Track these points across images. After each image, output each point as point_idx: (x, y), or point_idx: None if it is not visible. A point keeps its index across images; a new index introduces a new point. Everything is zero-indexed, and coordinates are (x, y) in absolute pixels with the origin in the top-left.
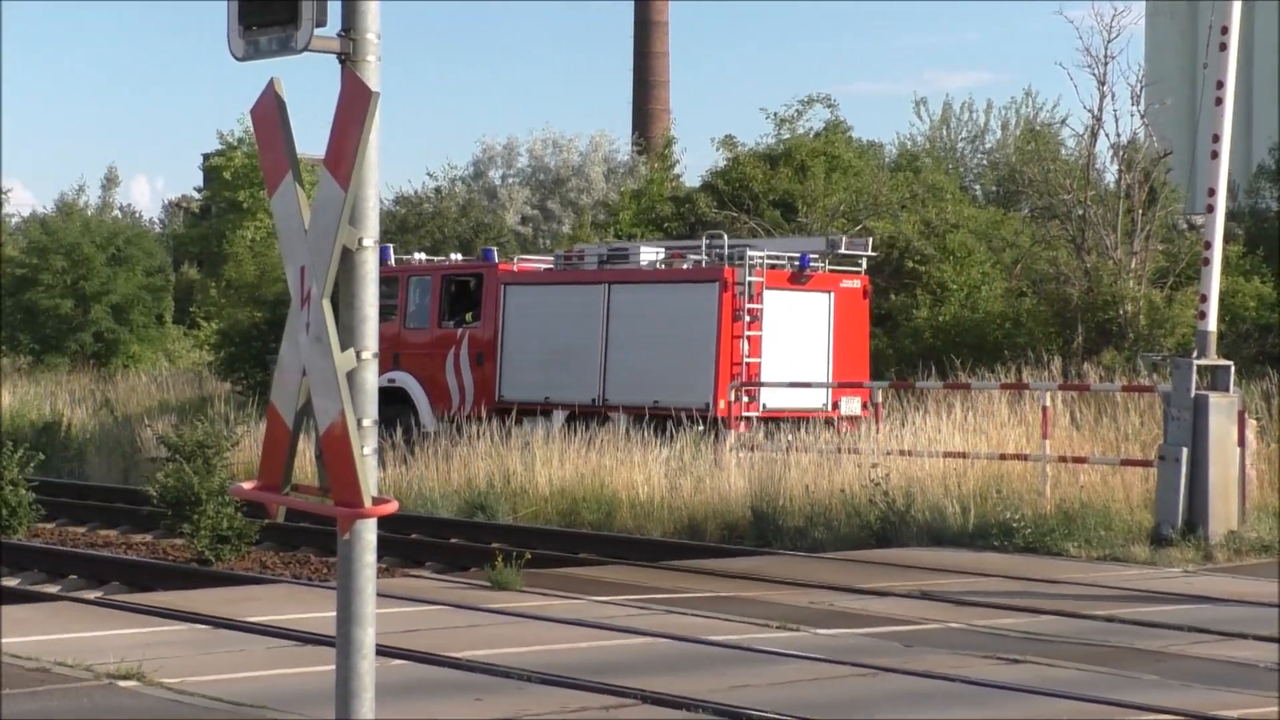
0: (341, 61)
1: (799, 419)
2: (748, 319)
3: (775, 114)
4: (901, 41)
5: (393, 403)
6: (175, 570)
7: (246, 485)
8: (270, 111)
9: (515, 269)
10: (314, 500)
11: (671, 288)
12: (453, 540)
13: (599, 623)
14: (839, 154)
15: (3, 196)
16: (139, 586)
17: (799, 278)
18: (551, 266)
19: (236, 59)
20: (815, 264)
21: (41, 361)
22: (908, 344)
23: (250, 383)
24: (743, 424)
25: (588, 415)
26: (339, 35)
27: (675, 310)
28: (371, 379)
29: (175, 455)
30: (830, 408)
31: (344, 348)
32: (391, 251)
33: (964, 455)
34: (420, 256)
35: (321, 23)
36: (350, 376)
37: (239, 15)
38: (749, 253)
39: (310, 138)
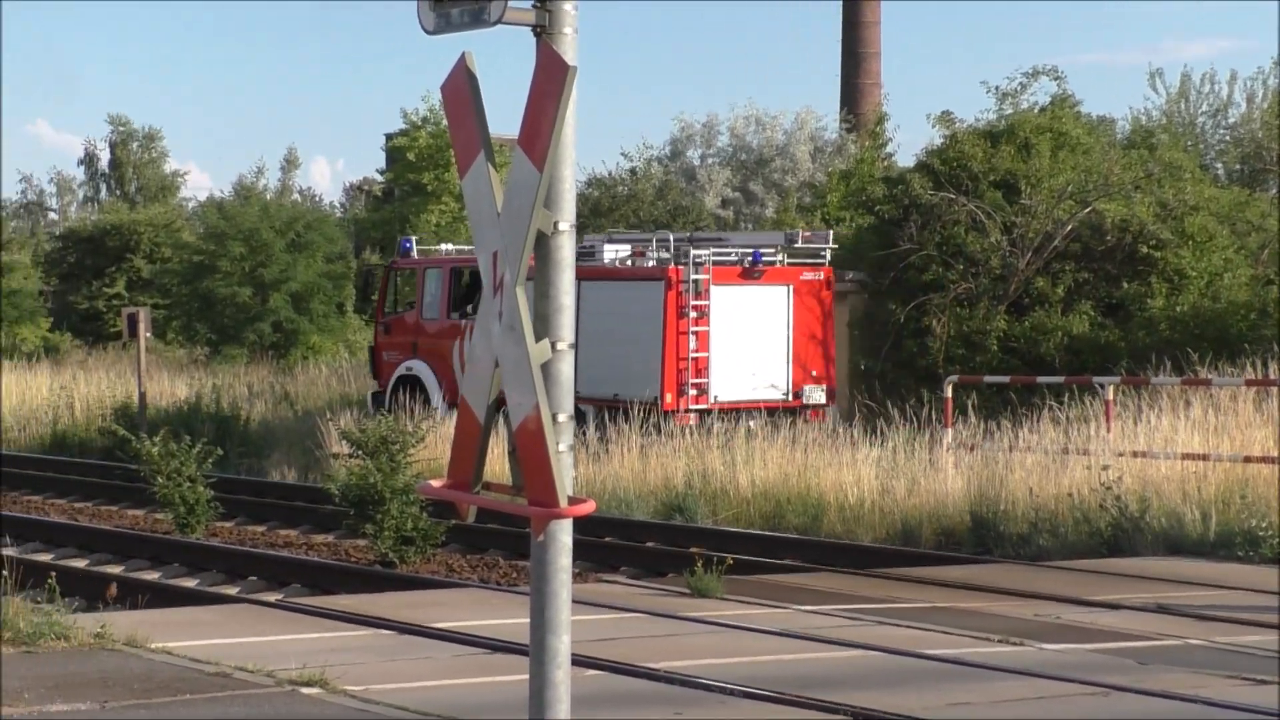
0: (536, 34)
1: (757, 410)
2: (695, 315)
3: (997, 88)
4: (1134, 8)
5: (410, 389)
6: (358, 573)
7: (435, 483)
8: (461, 88)
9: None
10: (506, 500)
11: (627, 285)
12: (649, 544)
13: (805, 634)
14: (1066, 130)
15: (180, 179)
16: (320, 589)
17: (752, 273)
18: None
19: (426, 32)
20: (771, 258)
21: (219, 352)
22: (1141, 336)
23: None
24: (691, 417)
25: None
26: (534, 6)
27: (630, 307)
28: (567, 371)
29: (358, 451)
30: (791, 398)
31: (538, 338)
32: (414, 244)
33: (1204, 457)
34: (447, 248)
35: None
36: (545, 368)
37: None
38: (692, 251)
39: (502, 117)
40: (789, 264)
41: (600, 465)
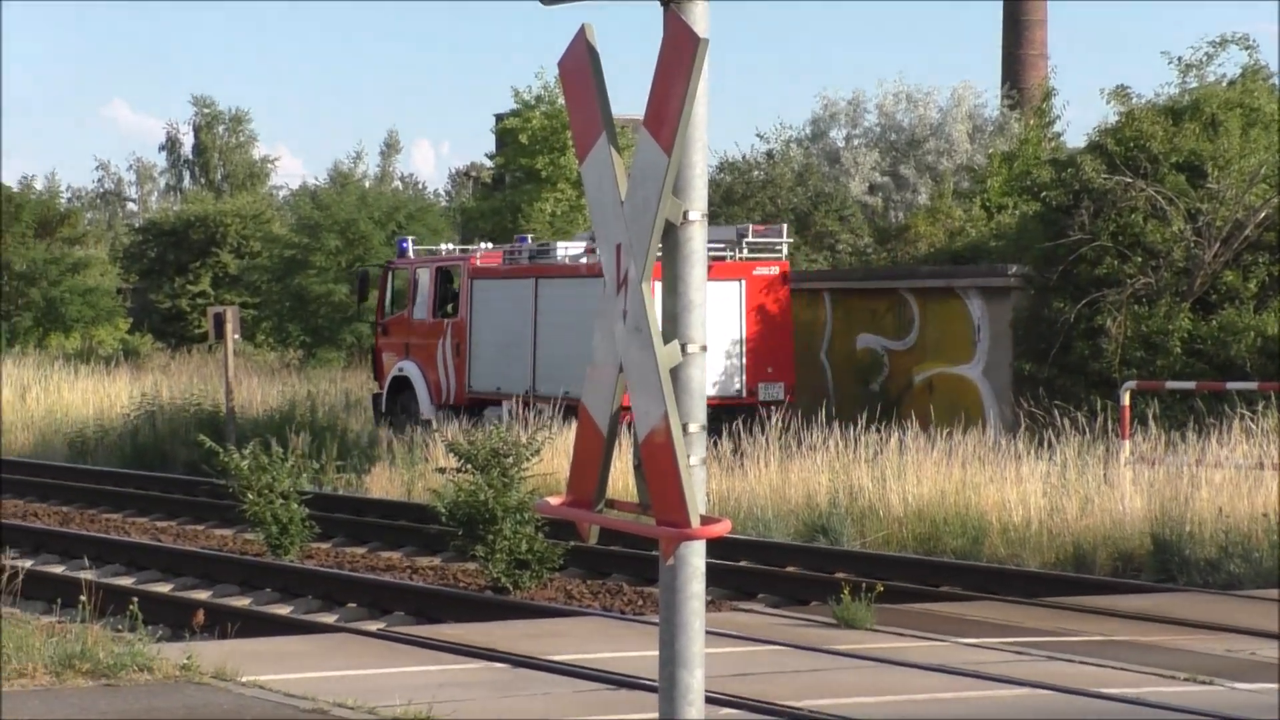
0: (664, 4)
1: (713, 407)
2: None
3: (1179, 58)
4: None
5: (403, 390)
6: (467, 599)
7: (553, 501)
8: (581, 63)
9: (479, 262)
10: (631, 519)
11: (577, 282)
12: (789, 569)
13: (965, 669)
14: (1259, 105)
15: (269, 166)
16: (426, 617)
17: None
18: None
19: (543, 2)
20: (722, 253)
21: (313, 356)
22: None
23: None
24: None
25: (526, 406)
26: None
27: (579, 304)
28: (699, 376)
29: (467, 465)
30: (746, 394)
31: (667, 340)
32: (410, 244)
33: None
34: (447, 247)
35: None
36: (674, 373)
37: None
38: None
39: (626, 95)
40: (744, 259)
41: (735, 480)
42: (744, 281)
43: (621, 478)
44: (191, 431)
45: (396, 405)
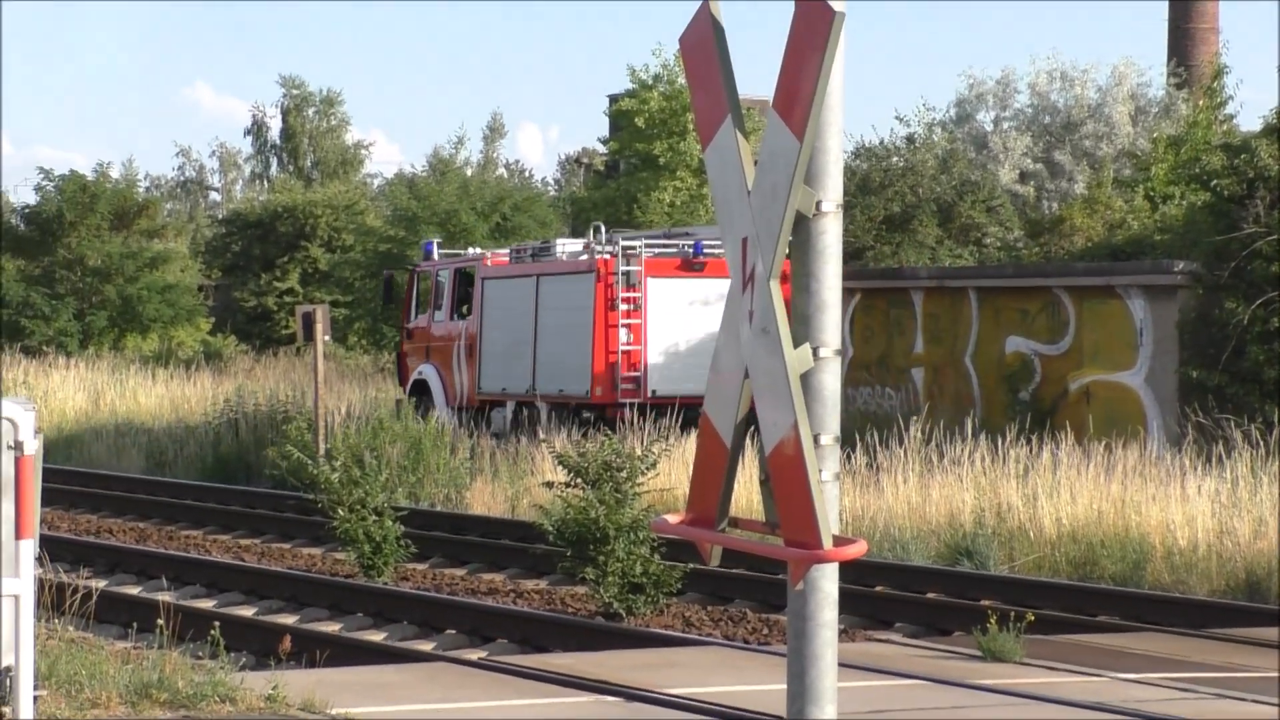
0: None
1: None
2: (627, 308)
3: None
4: None
5: (424, 394)
6: (576, 626)
7: (671, 519)
8: (705, 40)
9: (490, 263)
10: (757, 539)
11: (567, 279)
12: (930, 595)
13: (1124, 708)
14: None
15: (364, 152)
16: (531, 645)
17: (692, 265)
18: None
19: None
20: (717, 251)
21: None
22: None
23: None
24: (624, 410)
25: (527, 406)
26: None
27: (571, 301)
28: (832, 383)
29: (576, 480)
30: None
31: (797, 343)
32: (435, 246)
33: None
34: (475, 251)
35: None
36: (805, 379)
37: None
38: (621, 242)
39: (754, 75)
40: None
41: (870, 497)
42: None
43: (746, 494)
44: (278, 441)
45: (417, 410)
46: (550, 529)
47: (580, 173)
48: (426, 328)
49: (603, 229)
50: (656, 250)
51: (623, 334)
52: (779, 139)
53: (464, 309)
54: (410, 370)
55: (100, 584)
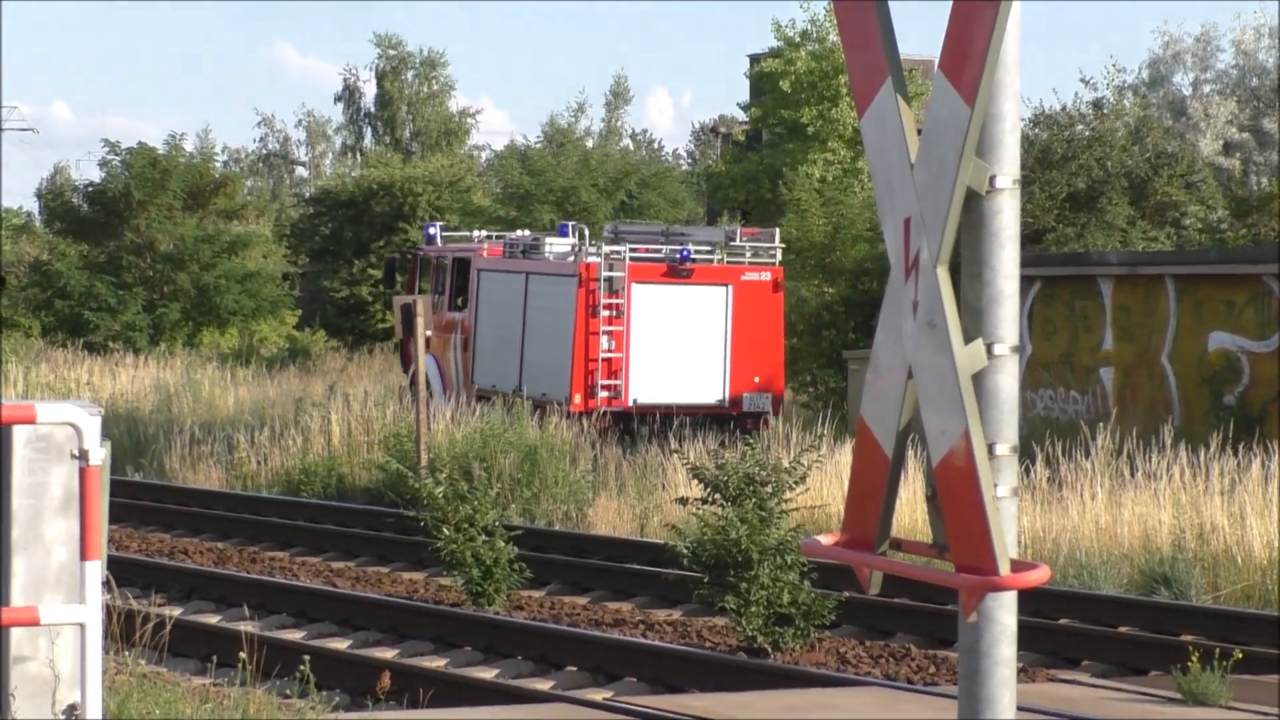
0: None
1: (688, 415)
2: (609, 314)
3: None
4: None
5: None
6: (715, 663)
7: (824, 540)
8: None
9: (486, 253)
10: (923, 563)
11: (552, 280)
12: (1121, 629)
13: None
14: None
15: (469, 121)
16: (664, 685)
17: (679, 271)
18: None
19: None
20: (707, 257)
21: None
22: None
23: (821, 390)
24: (603, 419)
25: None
26: None
27: (555, 304)
28: (1009, 385)
29: (714, 495)
30: (728, 404)
31: (968, 339)
32: (438, 230)
33: None
34: (480, 234)
35: None
36: (978, 381)
37: None
38: (604, 248)
39: (916, 32)
40: (729, 263)
41: (1052, 515)
42: (730, 287)
43: (910, 512)
44: (374, 451)
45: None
46: (684, 551)
47: (717, 144)
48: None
49: (586, 230)
50: (642, 255)
51: (604, 341)
52: (947, 105)
53: (459, 300)
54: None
55: (175, 612)
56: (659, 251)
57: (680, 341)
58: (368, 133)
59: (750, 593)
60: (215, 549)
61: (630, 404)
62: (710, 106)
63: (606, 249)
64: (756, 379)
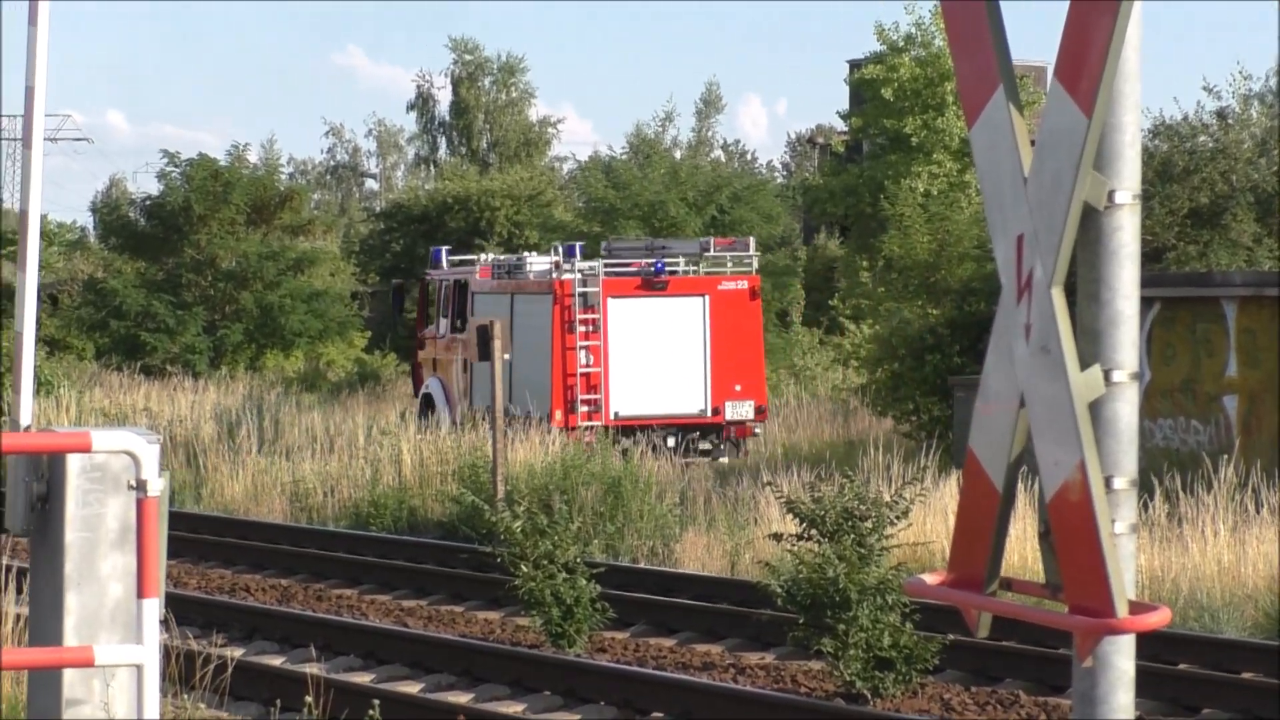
0: None
1: (673, 426)
2: (586, 329)
3: None
4: None
5: (433, 408)
6: (811, 709)
7: (929, 579)
8: None
9: (481, 275)
10: (1034, 604)
11: (532, 299)
12: (1245, 675)
13: None
14: None
15: (554, 129)
16: None
17: (654, 284)
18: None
19: None
20: (681, 268)
21: None
22: None
23: (925, 419)
24: (587, 433)
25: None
26: None
27: (535, 322)
28: (1129, 414)
29: (811, 531)
30: (711, 414)
31: (1085, 364)
32: (444, 253)
33: None
34: (486, 257)
35: None
36: (1095, 409)
37: None
38: (577, 263)
39: (1029, 36)
40: (707, 273)
41: (1171, 553)
42: (707, 298)
43: (1021, 549)
44: (449, 483)
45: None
46: (779, 591)
47: (814, 155)
48: (434, 338)
49: (560, 249)
50: (617, 269)
51: (582, 356)
52: (1063, 115)
53: (458, 322)
54: (423, 380)
55: (236, 652)
56: (634, 266)
57: (659, 353)
58: (442, 143)
59: (849, 635)
60: (279, 586)
61: (611, 417)
62: (807, 116)
63: (581, 264)
64: (738, 387)
